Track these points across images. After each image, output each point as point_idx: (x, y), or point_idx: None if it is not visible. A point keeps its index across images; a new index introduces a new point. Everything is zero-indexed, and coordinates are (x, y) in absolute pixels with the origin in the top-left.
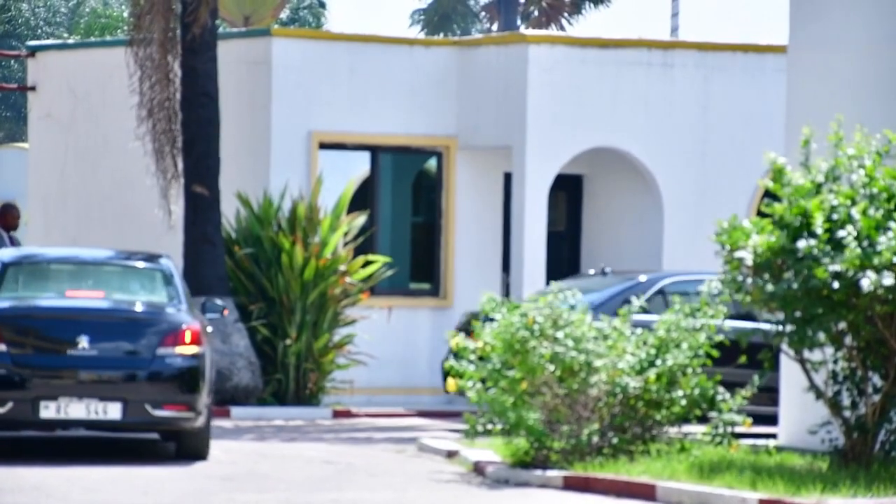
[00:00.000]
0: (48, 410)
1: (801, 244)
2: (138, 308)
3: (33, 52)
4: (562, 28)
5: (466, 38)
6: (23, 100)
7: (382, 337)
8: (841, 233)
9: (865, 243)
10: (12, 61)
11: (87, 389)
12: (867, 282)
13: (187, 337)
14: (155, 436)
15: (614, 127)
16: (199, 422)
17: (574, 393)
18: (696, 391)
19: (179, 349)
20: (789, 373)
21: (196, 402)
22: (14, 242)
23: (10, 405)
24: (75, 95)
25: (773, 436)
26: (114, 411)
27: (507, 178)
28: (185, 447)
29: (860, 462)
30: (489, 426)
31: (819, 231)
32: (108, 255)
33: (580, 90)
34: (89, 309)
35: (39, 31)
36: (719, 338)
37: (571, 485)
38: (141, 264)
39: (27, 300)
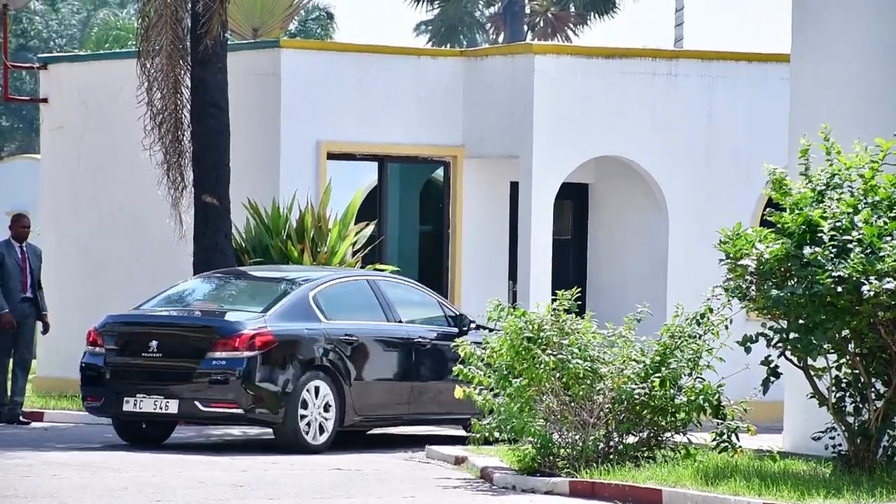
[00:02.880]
0: (128, 404)
1: (807, 251)
2: (202, 317)
3: (45, 64)
4: (567, 38)
5: (473, 49)
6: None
7: None
8: (845, 238)
9: (869, 250)
10: (24, 73)
11: (155, 388)
12: (868, 287)
13: (238, 342)
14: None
15: (620, 136)
16: (257, 417)
17: (580, 399)
18: (701, 398)
19: (227, 353)
20: (793, 379)
21: (241, 399)
22: (24, 253)
23: (103, 399)
24: (87, 107)
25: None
26: (173, 407)
27: (514, 186)
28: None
29: (863, 468)
30: (496, 433)
31: (825, 238)
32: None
33: (586, 100)
34: (160, 319)
35: (51, 43)
36: (722, 344)
37: (578, 491)
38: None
39: (129, 313)
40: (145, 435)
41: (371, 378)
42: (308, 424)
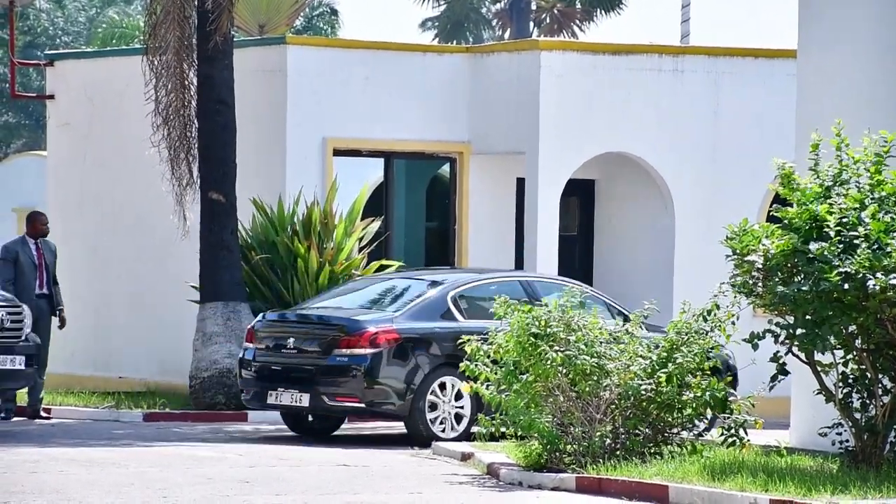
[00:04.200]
0: (271, 397)
1: (813, 247)
2: (332, 316)
3: (52, 61)
4: (573, 35)
5: (479, 45)
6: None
7: None
8: (851, 234)
9: (876, 246)
10: (31, 70)
11: (291, 383)
12: (874, 282)
13: (361, 340)
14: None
15: (626, 132)
16: (376, 408)
17: (586, 396)
18: (707, 393)
19: (351, 350)
20: (800, 375)
21: (363, 394)
22: (39, 249)
23: (252, 392)
24: (93, 104)
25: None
26: (305, 400)
27: (520, 183)
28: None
29: (870, 463)
30: (503, 429)
31: (831, 234)
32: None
33: (592, 96)
34: (297, 318)
35: (58, 40)
36: (729, 341)
37: (584, 487)
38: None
39: (274, 312)
40: (312, 427)
41: None
42: (437, 418)
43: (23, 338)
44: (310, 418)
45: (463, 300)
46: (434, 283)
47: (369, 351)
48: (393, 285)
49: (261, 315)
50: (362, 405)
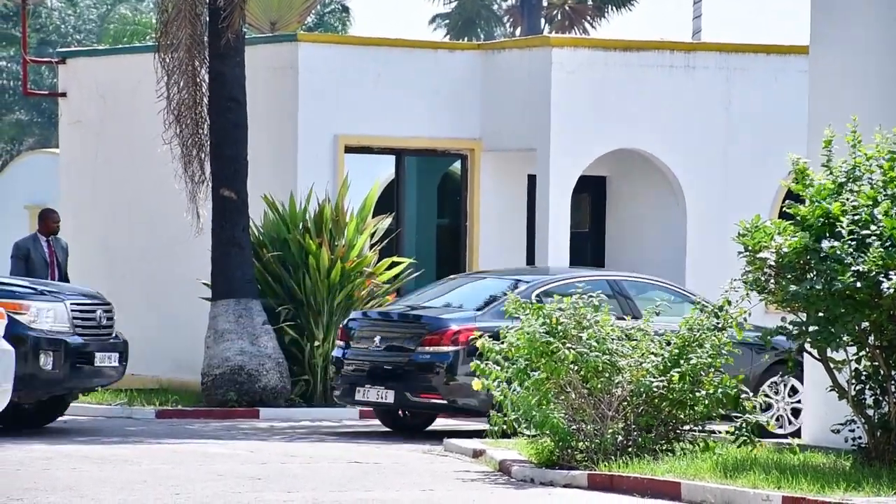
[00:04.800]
0: (359, 394)
1: (825, 245)
2: (416, 314)
3: (64, 58)
4: (585, 31)
5: (490, 42)
6: (54, 106)
7: None
8: (864, 232)
9: (889, 243)
10: (43, 68)
11: (377, 379)
12: (888, 283)
13: (443, 338)
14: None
15: (637, 128)
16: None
17: (598, 393)
18: (720, 391)
19: (433, 348)
20: (812, 372)
21: (444, 391)
22: (52, 247)
23: (342, 389)
24: (105, 101)
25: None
26: (390, 397)
27: (532, 179)
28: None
29: (883, 460)
30: (515, 426)
31: (844, 232)
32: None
33: (603, 92)
34: (384, 317)
35: (69, 38)
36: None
37: (596, 484)
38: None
39: (362, 311)
40: (405, 423)
41: None
42: None
43: (114, 334)
44: (401, 414)
45: (547, 298)
46: (518, 283)
47: (451, 349)
48: (481, 285)
49: (350, 313)
50: (444, 402)
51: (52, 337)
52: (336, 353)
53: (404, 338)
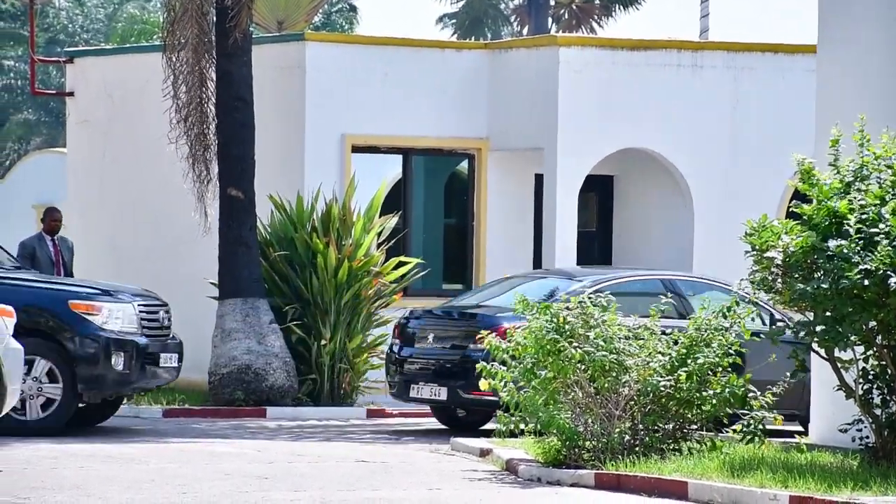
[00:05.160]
0: (413, 391)
1: (832, 244)
2: (469, 312)
3: (71, 58)
4: (592, 30)
5: (497, 41)
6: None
7: None
8: (872, 231)
9: None
10: (51, 67)
11: (430, 377)
12: (895, 281)
13: (495, 335)
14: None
15: (645, 128)
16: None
17: (605, 392)
18: (727, 390)
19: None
20: (820, 371)
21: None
22: (56, 246)
23: (396, 386)
24: (112, 101)
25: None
26: (443, 394)
27: (539, 179)
28: None
29: (891, 460)
30: (521, 425)
31: (851, 231)
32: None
33: (610, 92)
34: (438, 314)
35: (77, 37)
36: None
37: (603, 483)
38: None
39: (415, 308)
40: (462, 421)
41: None
42: None
43: (171, 335)
44: (458, 413)
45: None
46: (573, 281)
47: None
48: (538, 283)
49: (404, 311)
50: (495, 399)
51: (122, 338)
52: (390, 350)
53: (458, 336)
